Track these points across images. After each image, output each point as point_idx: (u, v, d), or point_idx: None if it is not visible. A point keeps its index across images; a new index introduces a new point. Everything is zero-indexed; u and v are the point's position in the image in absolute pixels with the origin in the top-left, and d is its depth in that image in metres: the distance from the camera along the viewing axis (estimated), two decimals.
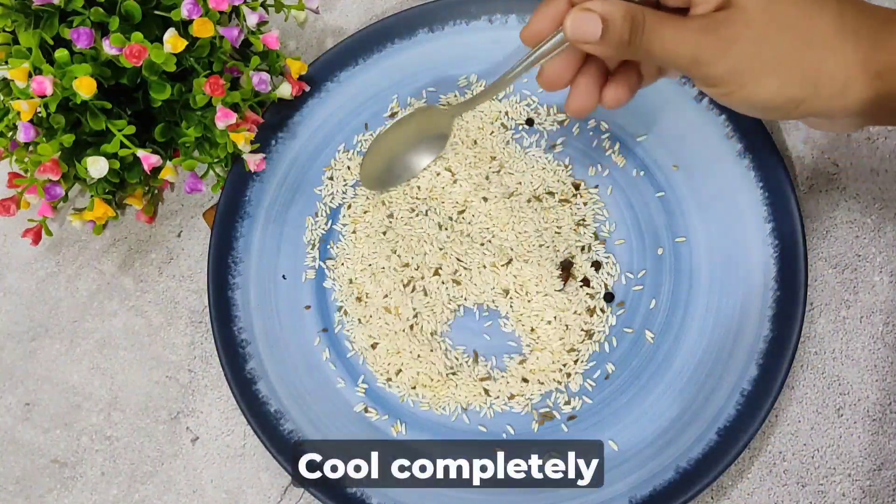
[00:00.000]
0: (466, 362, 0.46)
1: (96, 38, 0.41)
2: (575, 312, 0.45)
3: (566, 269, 0.45)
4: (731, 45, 0.32)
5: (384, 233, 0.48)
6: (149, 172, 0.43)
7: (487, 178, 0.48)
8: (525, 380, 0.45)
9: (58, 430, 0.48)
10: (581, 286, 0.46)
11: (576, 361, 0.45)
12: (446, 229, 0.47)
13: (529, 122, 0.49)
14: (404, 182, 0.48)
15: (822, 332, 0.45)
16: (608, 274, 0.46)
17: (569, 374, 0.45)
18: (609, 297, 0.46)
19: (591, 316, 0.45)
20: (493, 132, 0.49)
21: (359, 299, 0.47)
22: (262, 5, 0.46)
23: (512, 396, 0.45)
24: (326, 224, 0.49)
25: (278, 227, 0.48)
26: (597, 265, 0.46)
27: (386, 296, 0.46)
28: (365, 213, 0.48)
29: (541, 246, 0.46)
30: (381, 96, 0.50)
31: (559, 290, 0.45)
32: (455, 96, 0.50)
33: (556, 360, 0.45)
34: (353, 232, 0.48)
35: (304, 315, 0.47)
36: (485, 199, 0.47)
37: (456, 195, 0.47)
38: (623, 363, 0.45)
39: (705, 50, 0.32)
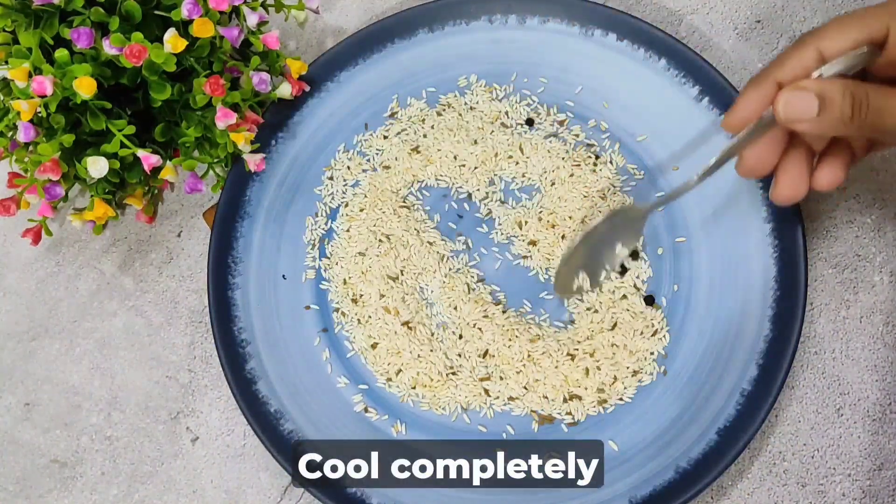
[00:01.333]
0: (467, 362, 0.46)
1: (96, 38, 0.40)
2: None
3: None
4: None
5: (381, 231, 0.48)
6: (149, 172, 0.43)
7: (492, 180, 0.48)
8: (525, 388, 0.45)
9: (58, 430, 0.48)
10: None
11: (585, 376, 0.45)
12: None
13: (529, 122, 0.49)
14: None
15: (822, 332, 0.45)
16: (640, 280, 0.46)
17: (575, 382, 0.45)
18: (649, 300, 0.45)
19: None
20: (493, 132, 0.49)
21: (354, 301, 0.47)
22: (262, 5, 0.46)
23: (512, 398, 0.45)
24: (326, 224, 0.49)
25: (278, 227, 0.48)
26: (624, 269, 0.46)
27: (382, 296, 0.46)
28: (361, 210, 0.48)
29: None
30: (381, 96, 0.50)
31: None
32: (455, 96, 0.50)
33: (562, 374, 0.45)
34: (348, 230, 0.48)
35: (304, 315, 0.47)
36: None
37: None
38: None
39: None
